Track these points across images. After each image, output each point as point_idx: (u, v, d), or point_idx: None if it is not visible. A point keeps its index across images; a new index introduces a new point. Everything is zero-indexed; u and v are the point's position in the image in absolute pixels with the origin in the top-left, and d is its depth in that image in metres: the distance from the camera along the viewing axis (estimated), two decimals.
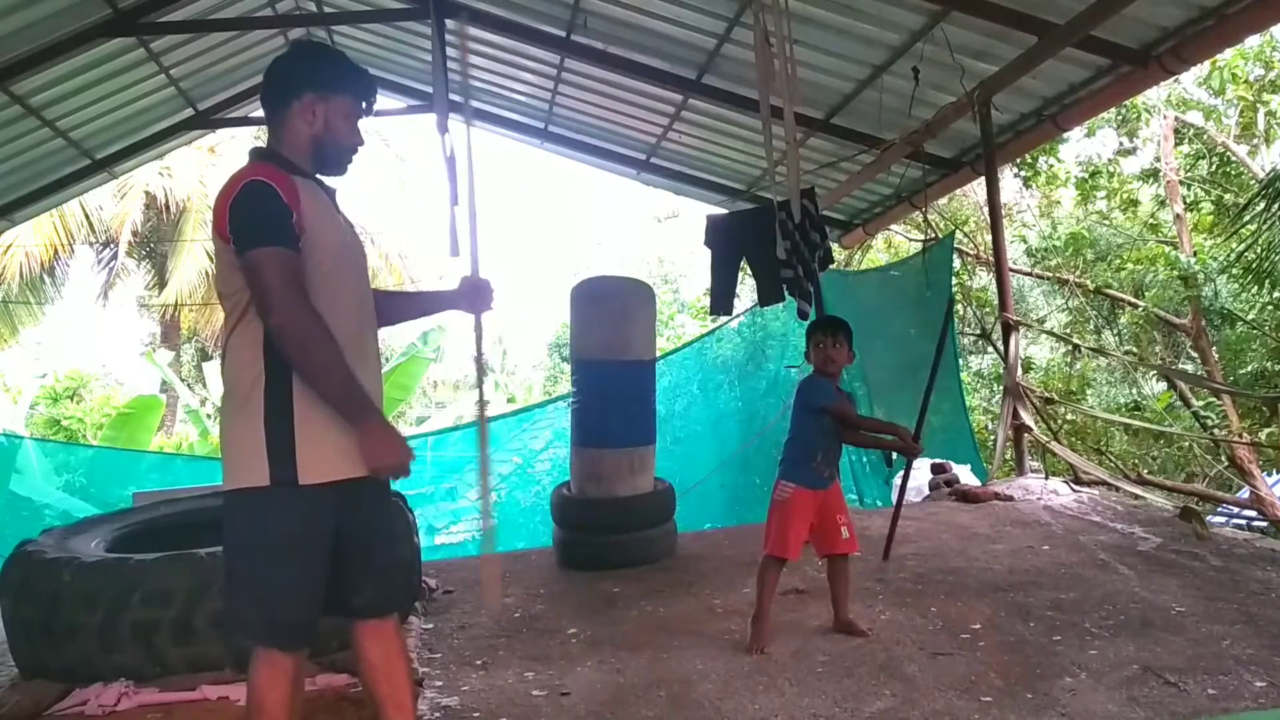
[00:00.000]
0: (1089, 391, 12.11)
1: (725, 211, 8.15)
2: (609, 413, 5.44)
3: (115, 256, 20.64)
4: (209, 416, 16.18)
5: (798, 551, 4.01)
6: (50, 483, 10.40)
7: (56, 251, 19.59)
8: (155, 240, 20.67)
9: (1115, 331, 12.37)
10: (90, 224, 19.50)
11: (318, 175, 2.52)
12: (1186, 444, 11.20)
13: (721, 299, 6.71)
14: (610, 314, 5.49)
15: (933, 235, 8.87)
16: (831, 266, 7.23)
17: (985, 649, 3.73)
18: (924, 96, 6.97)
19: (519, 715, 3.42)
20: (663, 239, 28.21)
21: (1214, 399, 10.74)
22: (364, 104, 2.52)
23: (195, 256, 20.01)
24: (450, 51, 7.87)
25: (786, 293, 6.20)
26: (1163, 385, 13.66)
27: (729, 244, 6.56)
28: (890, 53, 6.78)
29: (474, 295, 2.75)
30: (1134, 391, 13.33)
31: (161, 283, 20.86)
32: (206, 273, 20.08)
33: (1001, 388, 7.52)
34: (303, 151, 2.45)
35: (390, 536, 2.60)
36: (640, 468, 5.49)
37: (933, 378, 4.60)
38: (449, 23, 7.62)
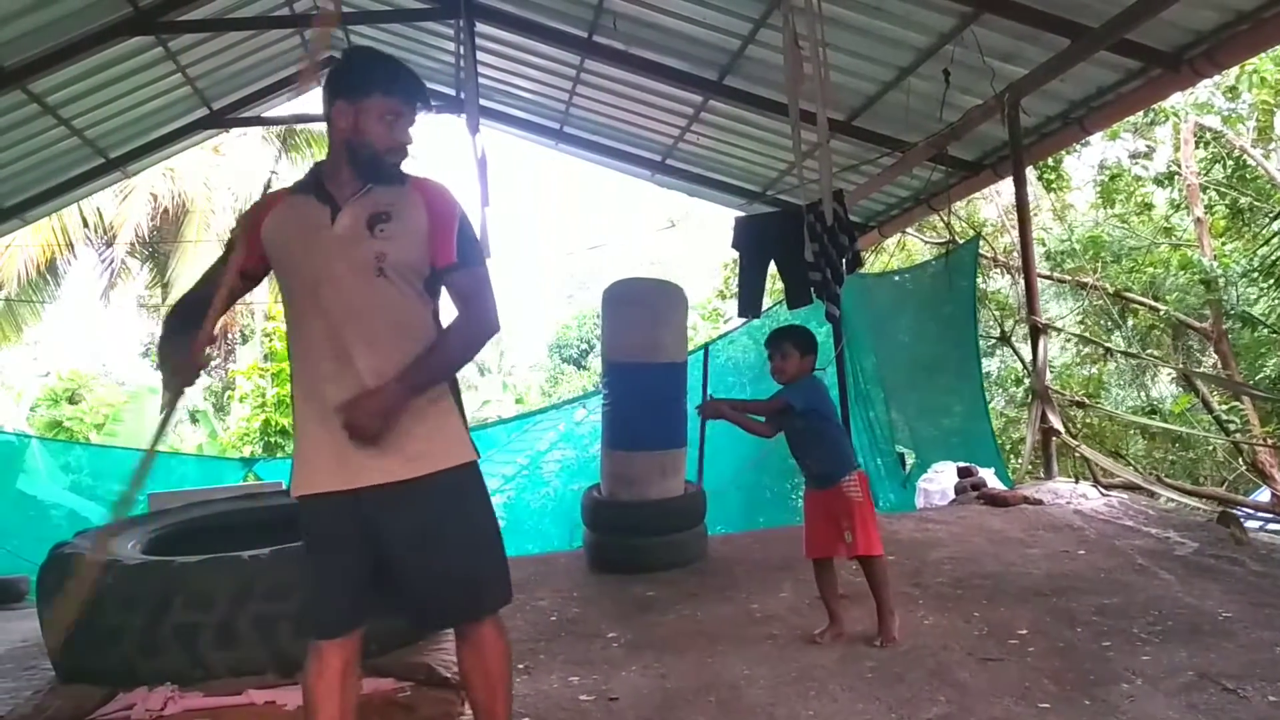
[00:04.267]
0: (1102, 395, 12.11)
1: (754, 214, 8.13)
2: (640, 415, 5.41)
3: (119, 257, 20.56)
4: (219, 416, 16.15)
5: (812, 550, 4.08)
6: (56, 482, 10.37)
7: (59, 250, 19.51)
8: (159, 240, 20.60)
9: (1124, 334, 12.37)
10: (88, 223, 19.40)
11: (371, 182, 2.46)
12: (1201, 448, 11.21)
13: (749, 301, 6.68)
14: (642, 316, 5.45)
15: (953, 238, 8.84)
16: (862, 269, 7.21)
17: (1035, 655, 3.70)
18: (949, 99, 6.95)
19: None
20: (667, 241, 28.24)
21: (1237, 402, 10.74)
22: (398, 100, 2.43)
23: (198, 258, 19.93)
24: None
25: (815, 295, 6.17)
26: (1172, 388, 13.67)
27: (757, 246, 6.54)
28: (917, 55, 6.77)
29: None
30: (1142, 395, 13.34)
31: (164, 284, 20.78)
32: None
33: (1028, 390, 7.47)
34: (338, 159, 2.46)
35: (440, 544, 2.46)
36: (672, 470, 5.46)
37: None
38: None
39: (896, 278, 10.11)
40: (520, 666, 3.94)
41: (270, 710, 3.47)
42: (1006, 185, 9.70)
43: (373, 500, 2.40)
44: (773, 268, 6.88)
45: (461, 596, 2.52)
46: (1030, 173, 10.94)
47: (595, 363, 26.45)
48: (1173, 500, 6.19)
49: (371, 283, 2.37)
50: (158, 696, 3.48)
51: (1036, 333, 7.10)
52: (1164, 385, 13.99)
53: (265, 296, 18.55)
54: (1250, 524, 7.24)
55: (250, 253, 2.49)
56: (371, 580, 2.48)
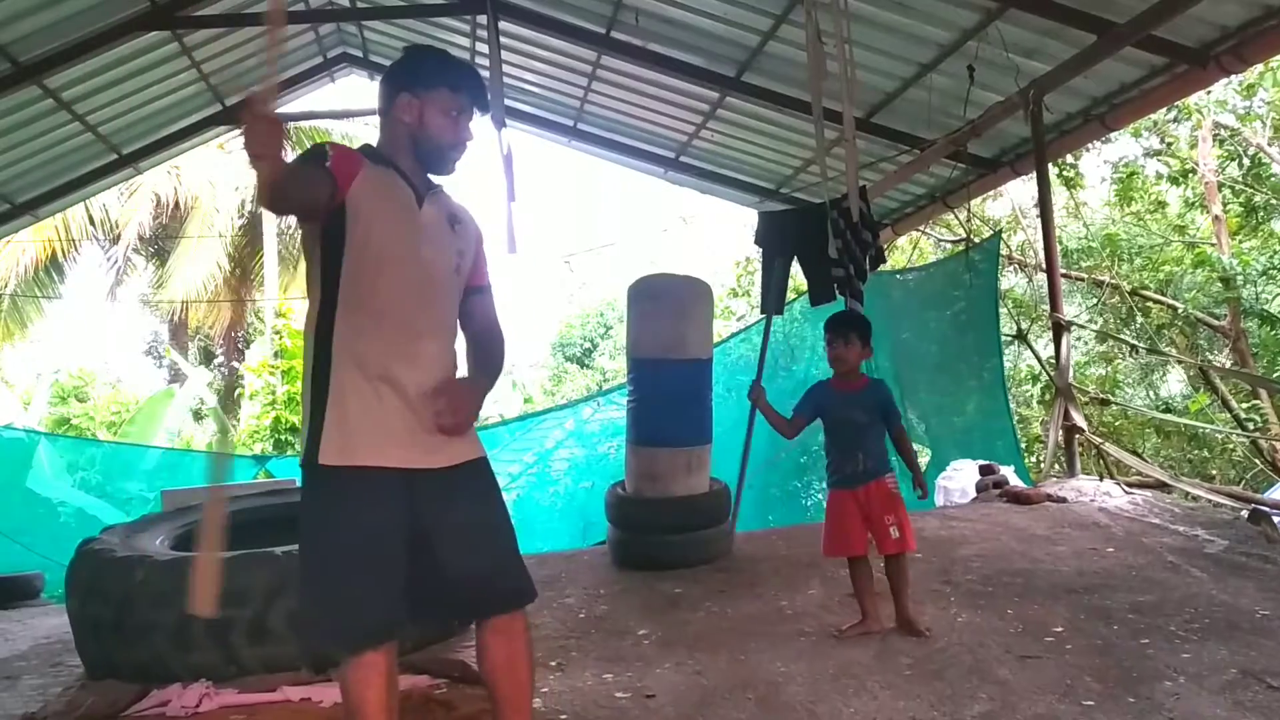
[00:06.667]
0: (1116, 393, 12.09)
1: (777, 210, 8.11)
2: (666, 411, 5.38)
3: (124, 255, 20.54)
4: (229, 413, 16.11)
5: (851, 548, 4.03)
6: (63, 480, 10.36)
7: (63, 248, 19.50)
8: (163, 238, 20.58)
9: (1132, 331, 12.34)
10: (94, 220, 19.37)
11: (432, 175, 2.54)
12: (1216, 446, 11.20)
13: (772, 298, 6.63)
14: (668, 312, 5.42)
15: (969, 236, 8.82)
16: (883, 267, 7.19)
17: (1073, 652, 3.67)
18: (970, 96, 6.92)
19: (607, 718, 3.36)
20: (669, 241, 28.22)
21: (1257, 400, 10.74)
22: (464, 97, 2.48)
23: (202, 255, 19.92)
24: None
25: (837, 292, 6.14)
26: (1181, 387, 13.65)
27: (780, 242, 6.49)
28: (939, 51, 6.74)
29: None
30: (1151, 394, 13.31)
31: (168, 282, 20.76)
32: (215, 273, 20.02)
33: (1044, 388, 7.41)
34: (401, 147, 2.48)
35: (487, 531, 2.49)
36: (697, 467, 5.43)
37: None
38: None
39: (914, 275, 10.10)
40: (553, 664, 3.91)
41: (305, 707, 3.45)
42: (1013, 183, 9.72)
43: (428, 483, 2.36)
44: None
45: (511, 583, 2.51)
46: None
47: (599, 361, 26.44)
48: (1198, 498, 6.16)
49: (450, 277, 2.47)
50: (192, 693, 3.47)
51: (1059, 330, 7.07)
52: (1173, 384, 13.96)
53: (275, 294, 18.58)
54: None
55: (338, 190, 2.31)
56: (411, 574, 2.39)
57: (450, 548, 2.40)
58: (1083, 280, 12.12)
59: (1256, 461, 11.06)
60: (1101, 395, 8.37)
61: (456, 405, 2.39)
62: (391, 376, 2.34)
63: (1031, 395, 12.35)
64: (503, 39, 8.61)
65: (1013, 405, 12.74)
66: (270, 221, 19.72)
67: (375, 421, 2.32)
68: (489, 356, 2.58)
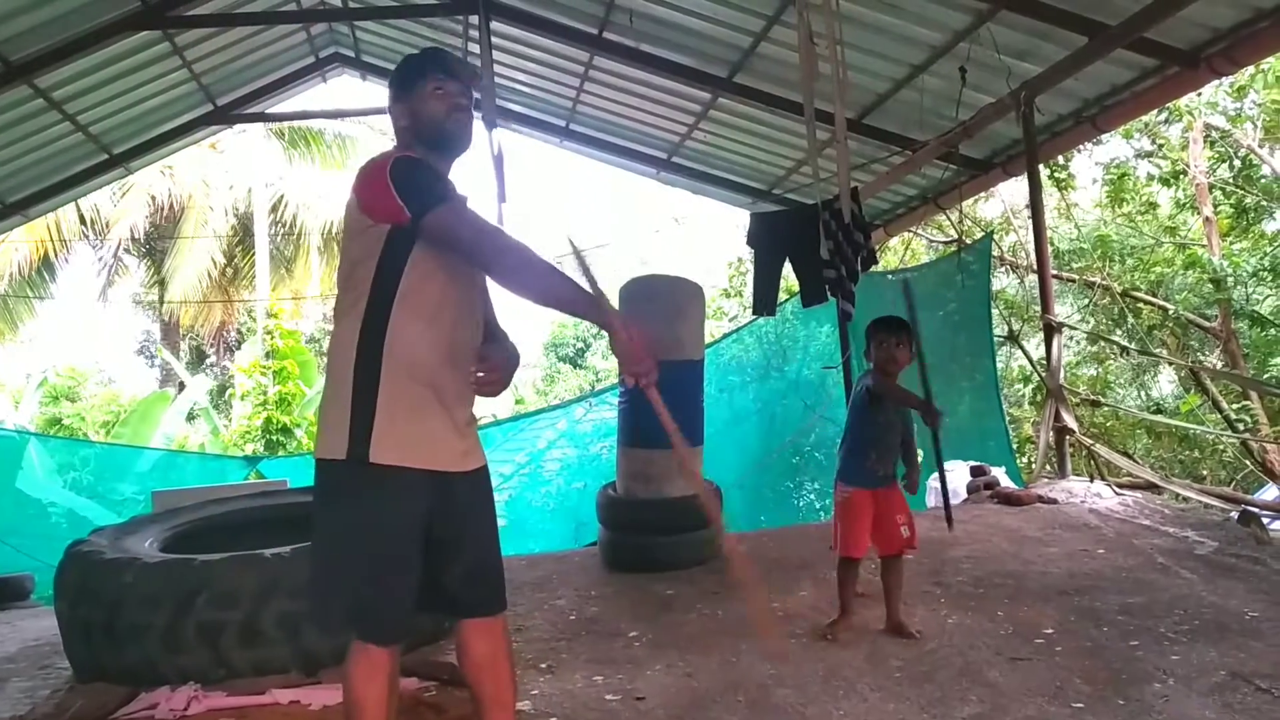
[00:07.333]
0: (1107, 394, 12.14)
1: (769, 211, 8.11)
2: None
3: (115, 255, 20.49)
4: (220, 413, 16.03)
5: (863, 548, 4.08)
6: (54, 481, 10.32)
7: (55, 248, 19.42)
8: (155, 238, 20.51)
9: (1124, 332, 12.39)
10: (85, 220, 19.30)
11: (458, 154, 2.59)
12: (1207, 447, 11.25)
13: (764, 299, 6.64)
14: (661, 313, 5.40)
15: (960, 237, 8.83)
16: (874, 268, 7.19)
17: (1064, 654, 3.68)
18: (962, 97, 6.92)
19: None
20: (661, 241, 28.23)
21: (1247, 401, 10.78)
22: (433, 73, 2.50)
23: (194, 255, 19.85)
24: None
25: (829, 293, 6.15)
26: (1172, 388, 13.69)
27: (772, 244, 6.51)
28: (931, 52, 6.74)
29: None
30: (1142, 394, 13.35)
31: (160, 281, 20.70)
32: (210, 270, 19.95)
33: (1035, 389, 7.40)
34: (422, 150, 2.51)
35: (491, 533, 2.59)
36: None
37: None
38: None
39: (908, 275, 10.09)
40: (543, 665, 3.91)
41: (295, 710, 3.44)
42: (1004, 185, 9.73)
43: (456, 486, 2.44)
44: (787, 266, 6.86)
45: (500, 583, 2.58)
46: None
47: (592, 361, 26.41)
48: (1188, 499, 6.18)
49: (481, 284, 2.56)
50: (181, 696, 3.45)
51: (1051, 331, 7.08)
52: (1164, 385, 14.01)
53: (266, 294, 18.52)
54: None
55: None
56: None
57: (462, 548, 2.48)
58: (1074, 281, 12.16)
59: (1247, 462, 11.10)
60: (1093, 396, 8.40)
61: (497, 368, 2.53)
62: (437, 383, 2.40)
63: (1023, 396, 12.39)
64: (494, 39, 8.60)
65: (1004, 406, 12.79)
66: (261, 221, 19.65)
67: (423, 425, 2.38)
68: (506, 348, 2.67)
